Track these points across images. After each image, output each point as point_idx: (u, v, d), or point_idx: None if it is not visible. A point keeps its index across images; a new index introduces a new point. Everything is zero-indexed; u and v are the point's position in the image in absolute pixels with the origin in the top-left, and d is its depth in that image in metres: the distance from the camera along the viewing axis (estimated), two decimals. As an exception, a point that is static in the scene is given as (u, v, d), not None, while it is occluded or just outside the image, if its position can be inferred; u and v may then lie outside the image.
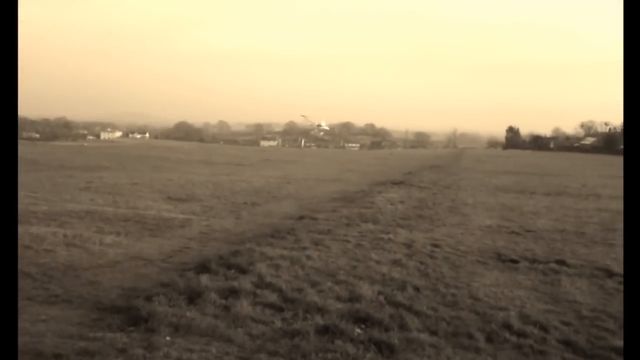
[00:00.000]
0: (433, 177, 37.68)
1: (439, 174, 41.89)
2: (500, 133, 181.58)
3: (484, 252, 12.47)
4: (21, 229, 12.87)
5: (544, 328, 7.28)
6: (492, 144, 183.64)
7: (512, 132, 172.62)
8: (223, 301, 7.66)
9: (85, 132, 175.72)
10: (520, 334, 7.06)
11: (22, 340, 6.05)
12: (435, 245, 12.77)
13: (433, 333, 6.98)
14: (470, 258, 11.75)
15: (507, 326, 7.28)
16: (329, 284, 8.92)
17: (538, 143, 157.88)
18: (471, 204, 22.80)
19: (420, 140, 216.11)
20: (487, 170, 50.88)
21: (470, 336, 6.93)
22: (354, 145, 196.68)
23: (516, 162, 70.07)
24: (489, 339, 6.90)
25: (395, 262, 10.82)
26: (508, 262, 11.51)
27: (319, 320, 7.07)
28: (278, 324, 7.01)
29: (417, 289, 8.98)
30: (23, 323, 6.67)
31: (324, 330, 6.72)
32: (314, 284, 8.85)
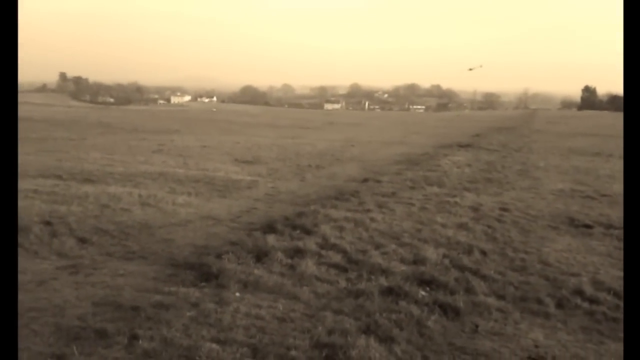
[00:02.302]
0: (502, 140, 36.43)
1: (509, 136, 40.43)
2: (575, 93, 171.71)
3: (555, 216, 12.03)
4: (99, 189, 13.67)
5: (618, 295, 6.98)
6: (566, 104, 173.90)
7: (588, 91, 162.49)
8: (289, 260, 7.84)
9: (157, 96, 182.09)
10: (593, 301, 6.82)
11: (102, 292, 6.50)
12: (504, 209, 12.44)
13: (500, 297, 6.88)
14: (540, 223, 11.37)
15: (579, 292, 7.05)
16: (393, 246, 8.92)
17: (616, 103, 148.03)
18: (543, 167, 21.92)
19: (489, 102, 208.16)
20: (561, 132, 48.51)
21: (539, 301, 6.77)
22: (419, 107, 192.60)
23: (592, 124, 66.30)
24: (559, 305, 6.72)
25: (461, 226, 10.65)
26: (581, 227, 11.06)
27: (383, 281, 7.12)
28: (342, 283, 7.12)
29: (484, 252, 8.83)
30: (103, 277, 7.15)
31: (388, 292, 6.77)
32: (378, 246, 8.88)
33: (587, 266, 8.38)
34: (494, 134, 43.59)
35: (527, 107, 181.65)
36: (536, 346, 5.64)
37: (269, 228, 9.76)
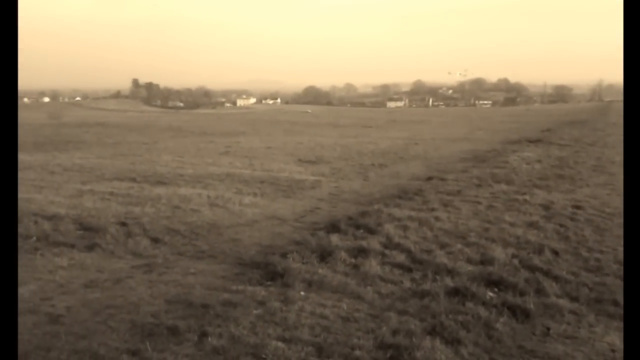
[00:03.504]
0: (575, 134, 34.78)
1: (582, 130, 38.53)
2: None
3: (634, 214, 11.35)
4: (170, 191, 14.24)
5: None
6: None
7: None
8: (352, 260, 7.86)
9: (223, 99, 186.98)
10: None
11: (174, 291, 6.77)
12: (577, 207, 11.89)
13: (574, 299, 6.59)
14: (617, 221, 10.77)
15: (660, 295, 6.63)
16: (459, 245, 8.74)
17: None
18: (619, 162, 20.72)
19: (560, 94, 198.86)
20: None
21: (615, 303, 6.43)
22: (485, 102, 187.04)
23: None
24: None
25: (532, 225, 10.28)
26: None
27: (449, 282, 7.00)
28: (407, 284, 7.06)
29: (555, 252, 8.49)
30: (175, 275, 7.45)
31: (454, 292, 6.64)
32: (443, 246, 8.74)
33: (670, 267, 7.88)
34: (566, 128, 41.71)
35: (602, 100, 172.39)
36: (612, 350, 5.37)
37: (333, 228, 9.82)
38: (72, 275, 7.46)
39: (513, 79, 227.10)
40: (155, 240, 9.29)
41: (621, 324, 5.97)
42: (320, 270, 7.36)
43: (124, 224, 10.23)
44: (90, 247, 8.80)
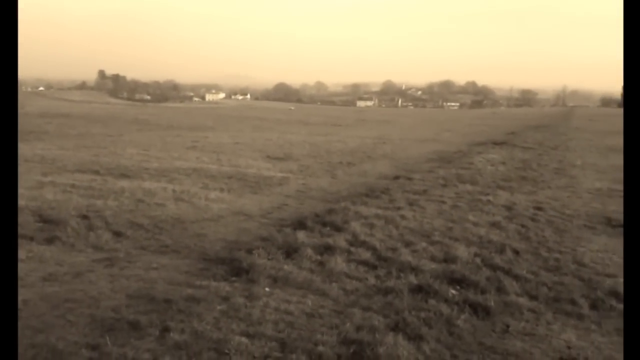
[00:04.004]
0: (538, 137, 35.62)
1: (545, 134, 39.50)
2: (616, 90, 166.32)
3: (592, 216, 11.72)
4: (134, 184, 13.98)
5: (657, 298, 6.76)
6: (606, 102, 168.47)
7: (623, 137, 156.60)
8: (318, 257, 7.86)
9: (192, 94, 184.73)
10: (630, 303, 6.63)
11: (136, 285, 6.65)
12: (539, 208, 12.18)
13: (533, 297, 6.75)
14: (576, 222, 11.11)
15: (614, 294, 6.84)
16: (424, 244, 8.85)
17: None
18: (580, 165, 21.39)
19: (525, 99, 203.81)
20: (599, 130, 47.13)
21: (573, 302, 6.62)
22: (453, 104, 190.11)
23: (634, 121, 64.05)
24: (594, 306, 6.55)
25: (494, 225, 10.48)
26: (618, 227, 10.71)
27: (413, 279, 7.07)
28: (372, 281, 7.11)
29: (516, 252, 8.67)
30: (137, 270, 7.31)
31: (418, 290, 6.72)
32: (408, 244, 8.83)
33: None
34: (530, 131, 42.67)
35: (565, 105, 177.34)
36: (569, 347, 5.52)
37: (299, 224, 9.81)
38: (30, 268, 7.24)
39: (480, 82, 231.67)
40: (117, 234, 9.11)
41: (577, 322, 6.16)
42: (285, 267, 7.34)
43: (85, 217, 9.99)
44: (50, 240, 8.56)
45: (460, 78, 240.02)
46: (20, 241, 8.36)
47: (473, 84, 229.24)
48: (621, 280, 7.35)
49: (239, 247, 8.45)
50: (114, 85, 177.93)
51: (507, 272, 7.57)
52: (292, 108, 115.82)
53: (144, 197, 12.19)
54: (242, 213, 11.30)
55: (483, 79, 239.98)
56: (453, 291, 6.77)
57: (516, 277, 7.40)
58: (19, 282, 6.65)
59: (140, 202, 11.67)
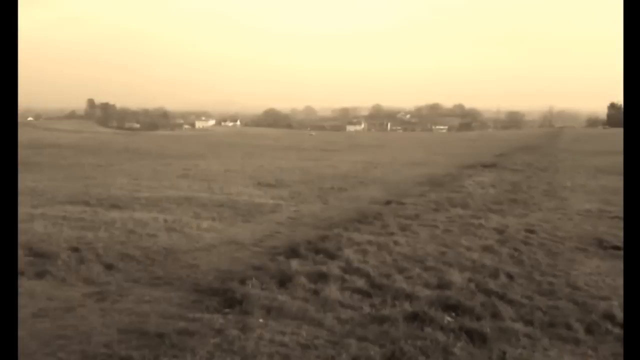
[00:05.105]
0: (527, 159, 35.98)
1: (534, 156, 39.92)
2: (601, 110, 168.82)
3: (583, 238, 11.78)
4: (126, 215, 13.88)
5: (652, 321, 6.76)
6: (592, 122, 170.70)
7: (614, 109, 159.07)
8: (312, 285, 7.82)
9: (182, 121, 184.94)
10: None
11: (128, 319, 6.56)
12: (530, 231, 12.24)
13: (528, 323, 6.73)
14: (568, 245, 11.15)
15: (610, 317, 6.85)
16: (418, 270, 8.83)
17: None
18: (569, 187, 21.56)
19: (513, 120, 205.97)
20: (587, 150, 47.68)
21: (568, 327, 6.60)
22: (441, 127, 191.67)
23: (619, 141, 65.08)
24: (589, 331, 6.54)
25: (487, 249, 10.50)
26: (610, 249, 10.79)
27: (408, 307, 7.04)
28: (366, 309, 7.06)
29: (510, 276, 8.67)
30: (129, 303, 7.22)
31: (413, 317, 6.68)
32: (402, 270, 8.81)
33: (617, 289, 8.14)
34: (519, 153, 43.12)
35: (552, 125, 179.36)
36: (566, 374, 5.49)
37: (292, 252, 9.77)
38: (21, 304, 7.06)
39: (468, 104, 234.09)
40: (108, 267, 9.01)
41: (574, 348, 6.13)
42: (279, 296, 7.28)
43: (76, 250, 9.89)
44: (41, 274, 8.45)
45: (447, 101, 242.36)
46: (9, 276, 8.25)
47: (460, 106, 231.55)
48: (615, 303, 7.36)
49: (231, 277, 8.37)
50: (104, 114, 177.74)
51: (502, 297, 7.56)
52: (313, 134, 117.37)
53: (135, 228, 12.10)
54: (235, 242, 11.24)
55: (470, 102, 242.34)
56: (448, 318, 6.74)
57: (511, 302, 7.39)
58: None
59: (131, 233, 11.59)
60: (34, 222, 12.54)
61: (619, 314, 6.94)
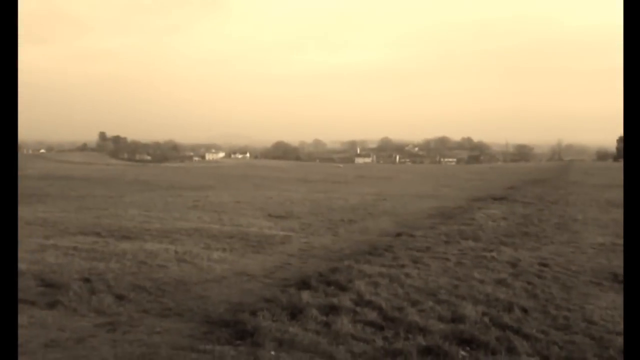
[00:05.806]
0: (538, 192, 35.78)
1: (544, 189, 39.70)
2: (610, 143, 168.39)
3: (597, 272, 11.62)
4: (136, 246, 13.92)
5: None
6: (602, 155, 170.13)
7: (623, 142, 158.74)
8: (324, 318, 7.74)
9: (192, 153, 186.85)
10: (644, 363, 6.47)
11: (139, 351, 6.51)
12: (544, 265, 12.09)
13: (544, 358, 6.61)
14: (582, 278, 11.00)
15: (628, 353, 6.71)
16: (430, 303, 8.72)
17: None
18: (581, 220, 21.36)
19: (521, 153, 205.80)
20: (597, 183, 47.37)
21: (585, 362, 6.47)
22: (450, 160, 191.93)
23: (631, 175, 64.48)
24: (608, 367, 6.40)
25: (500, 282, 10.37)
26: (626, 283, 10.62)
27: (421, 340, 6.94)
28: (379, 342, 6.96)
29: (525, 310, 8.54)
30: (140, 334, 7.18)
31: (427, 351, 6.58)
32: (414, 303, 8.71)
33: (635, 324, 8.00)
34: (529, 186, 42.92)
35: (561, 159, 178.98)
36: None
37: (303, 284, 9.71)
38: (32, 334, 7.11)
39: (476, 138, 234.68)
40: (119, 298, 9.00)
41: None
42: (291, 329, 7.21)
43: (87, 280, 9.90)
44: (52, 305, 8.45)
45: (455, 134, 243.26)
46: (21, 306, 8.24)
47: (469, 139, 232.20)
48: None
49: (242, 309, 8.32)
50: (115, 147, 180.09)
51: (517, 332, 7.43)
52: (341, 166, 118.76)
53: (146, 259, 12.12)
54: (245, 273, 11.20)
55: (478, 135, 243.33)
56: (463, 352, 6.63)
57: (526, 337, 7.26)
58: (20, 349, 6.53)
59: (142, 264, 11.60)
60: (45, 253, 12.60)
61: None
